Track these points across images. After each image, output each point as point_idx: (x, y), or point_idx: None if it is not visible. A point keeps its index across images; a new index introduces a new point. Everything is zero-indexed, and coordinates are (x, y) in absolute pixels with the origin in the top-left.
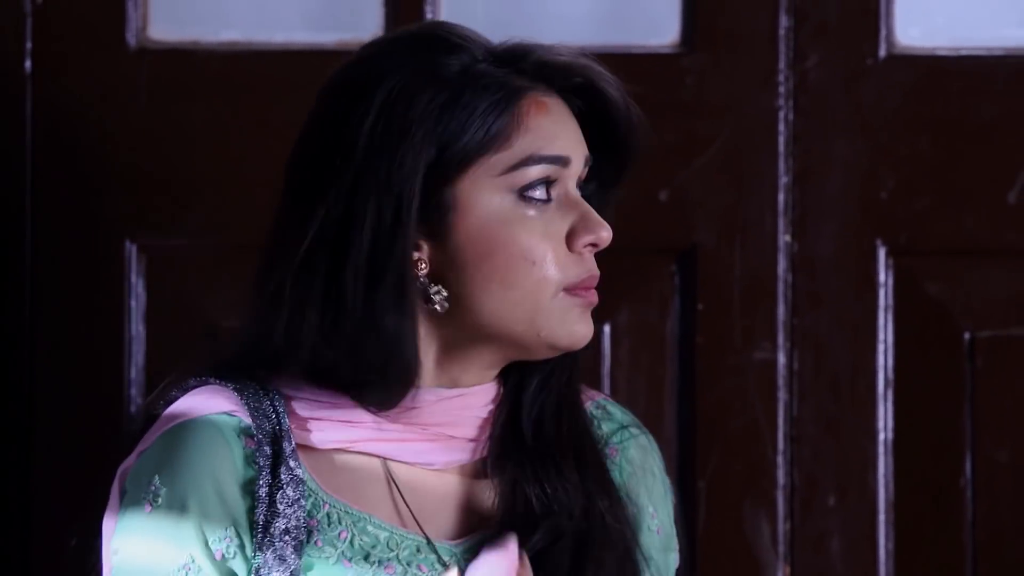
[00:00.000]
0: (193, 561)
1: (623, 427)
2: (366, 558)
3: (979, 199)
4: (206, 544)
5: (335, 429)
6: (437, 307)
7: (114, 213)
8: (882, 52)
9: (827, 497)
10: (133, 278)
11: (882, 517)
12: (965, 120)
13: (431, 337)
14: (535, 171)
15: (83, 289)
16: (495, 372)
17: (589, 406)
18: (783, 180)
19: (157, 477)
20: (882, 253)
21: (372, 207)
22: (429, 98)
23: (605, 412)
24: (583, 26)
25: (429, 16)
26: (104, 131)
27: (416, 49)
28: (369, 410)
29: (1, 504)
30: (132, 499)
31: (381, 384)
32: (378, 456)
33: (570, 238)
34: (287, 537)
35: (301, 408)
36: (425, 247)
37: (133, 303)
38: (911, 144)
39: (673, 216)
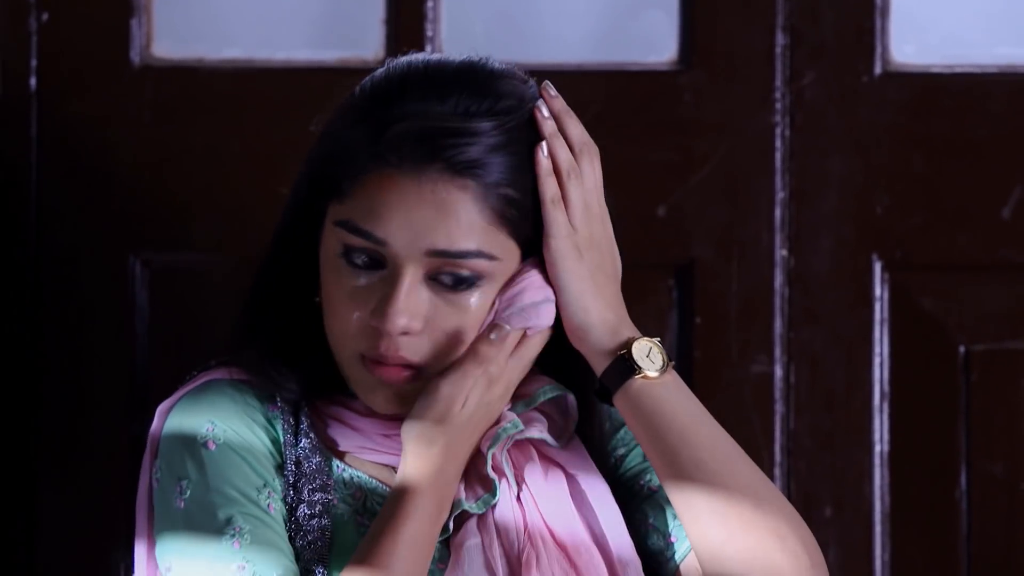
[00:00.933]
0: (264, 485)
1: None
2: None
3: (973, 215)
4: (249, 504)
5: (346, 435)
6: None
7: (118, 228)
8: (877, 70)
9: (823, 509)
10: (137, 293)
11: (878, 529)
12: (959, 137)
13: None
14: (350, 237)
15: (87, 303)
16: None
17: None
18: (780, 196)
19: (209, 423)
20: (877, 268)
21: (282, 226)
22: (319, 141)
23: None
24: (581, 45)
25: (429, 35)
26: (108, 147)
27: (356, 95)
28: (376, 419)
29: (7, 517)
30: (189, 447)
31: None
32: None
33: (370, 311)
34: (313, 522)
35: (320, 403)
36: None
37: (138, 317)
38: (906, 160)
39: (671, 232)
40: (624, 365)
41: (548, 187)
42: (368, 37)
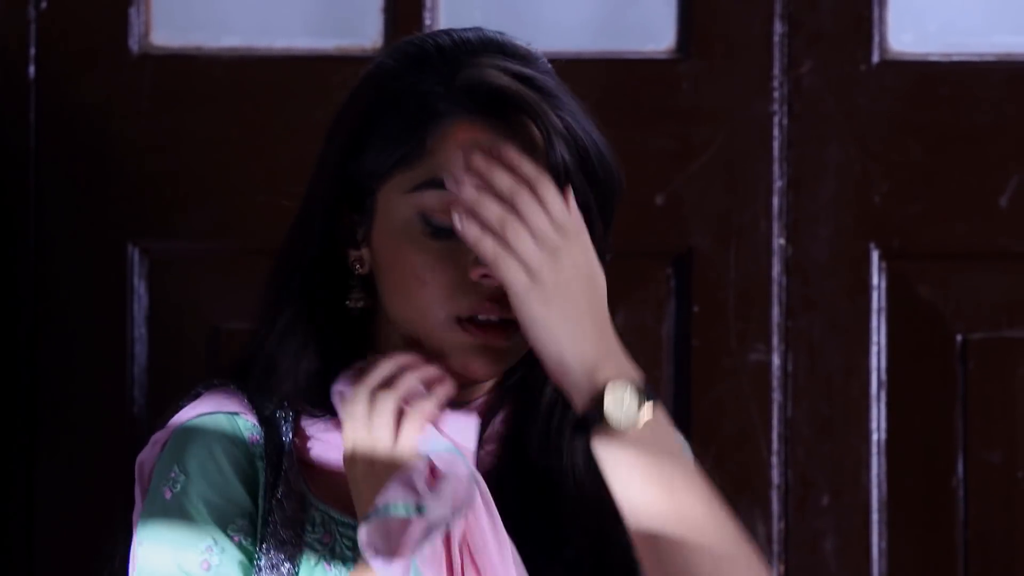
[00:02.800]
0: (215, 543)
1: None
2: (344, 562)
3: (971, 204)
4: (226, 528)
5: (335, 449)
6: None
7: (117, 216)
8: (875, 58)
9: (821, 497)
10: (136, 281)
11: (875, 517)
12: (957, 125)
13: (384, 339)
14: (435, 195)
15: (86, 292)
16: (472, 387)
17: None
18: (778, 184)
19: (176, 466)
20: (875, 257)
21: (302, 210)
22: (359, 111)
23: None
24: (580, 33)
25: (428, 23)
26: (107, 135)
27: (397, 57)
28: None
29: (5, 506)
30: (154, 489)
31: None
32: None
33: (469, 266)
34: (284, 547)
35: (307, 422)
36: (364, 250)
37: (136, 306)
38: (904, 149)
39: (669, 220)
40: (596, 413)
41: (485, 249)
42: (367, 25)
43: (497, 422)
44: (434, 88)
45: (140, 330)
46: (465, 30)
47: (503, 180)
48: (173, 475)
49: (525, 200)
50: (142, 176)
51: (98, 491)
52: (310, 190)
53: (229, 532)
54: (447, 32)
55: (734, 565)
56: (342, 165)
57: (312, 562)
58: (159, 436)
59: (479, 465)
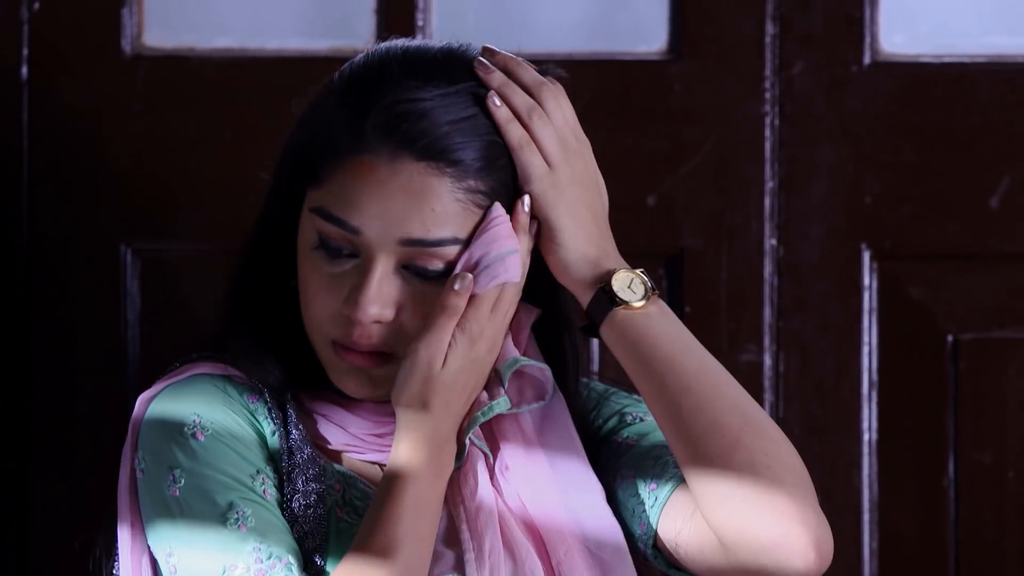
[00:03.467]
0: (258, 472)
1: (603, 396)
2: (356, 511)
3: (962, 205)
4: (252, 484)
5: (332, 432)
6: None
7: (109, 217)
8: (866, 59)
9: None
10: (128, 282)
11: (866, 517)
12: (948, 127)
13: None
14: (324, 225)
15: (79, 292)
16: None
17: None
18: (769, 185)
19: (196, 415)
20: (866, 257)
21: (263, 212)
22: (297, 130)
23: (586, 387)
24: (572, 34)
25: (420, 24)
26: (100, 136)
27: (334, 81)
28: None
29: (0, 501)
30: (175, 440)
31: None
32: (373, 463)
33: (343, 299)
34: (308, 512)
35: (307, 397)
36: None
37: (129, 307)
38: (895, 150)
39: (661, 221)
40: (605, 297)
41: (512, 133)
42: (359, 26)
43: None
44: (346, 121)
45: (133, 331)
46: (406, 45)
47: (527, 75)
48: (197, 420)
49: (552, 97)
50: (135, 177)
51: (92, 492)
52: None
53: (251, 488)
54: (388, 50)
55: (760, 421)
56: (285, 175)
57: (330, 504)
58: (147, 395)
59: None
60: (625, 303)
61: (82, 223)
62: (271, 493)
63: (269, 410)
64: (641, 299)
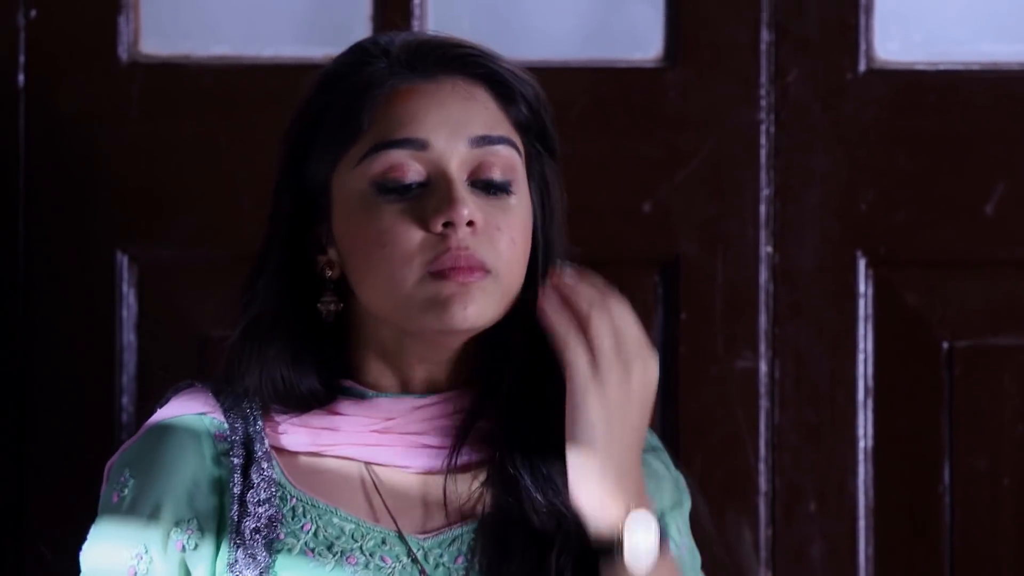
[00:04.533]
0: (147, 551)
1: None
2: (329, 548)
3: (957, 211)
4: (167, 534)
5: (309, 434)
6: (324, 315)
7: (105, 224)
8: (861, 67)
9: (808, 504)
10: (124, 288)
11: (862, 523)
12: (943, 133)
13: (366, 338)
14: (383, 158)
15: (75, 299)
16: (448, 379)
17: None
18: (764, 192)
19: (127, 470)
20: (862, 264)
21: (270, 220)
22: (299, 116)
23: None
24: (568, 41)
25: (416, 30)
26: (96, 143)
27: (325, 71)
28: (344, 415)
29: None
30: (106, 492)
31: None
32: (354, 459)
33: (429, 218)
34: (257, 536)
35: (279, 414)
36: (331, 250)
37: (124, 313)
38: (890, 157)
39: (656, 227)
40: (610, 545)
41: (560, 324)
42: (355, 33)
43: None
44: (367, 67)
45: (129, 337)
46: (386, 33)
47: (595, 281)
48: (123, 479)
49: (616, 302)
50: (131, 183)
51: (87, 498)
52: (272, 205)
53: (173, 536)
54: (370, 39)
55: None
56: (295, 171)
57: (294, 552)
58: (126, 445)
59: (467, 461)
60: (623, 563)
61: (78, 229)
62: (187, 545)
63: (234, 451)
64: (647, 558)
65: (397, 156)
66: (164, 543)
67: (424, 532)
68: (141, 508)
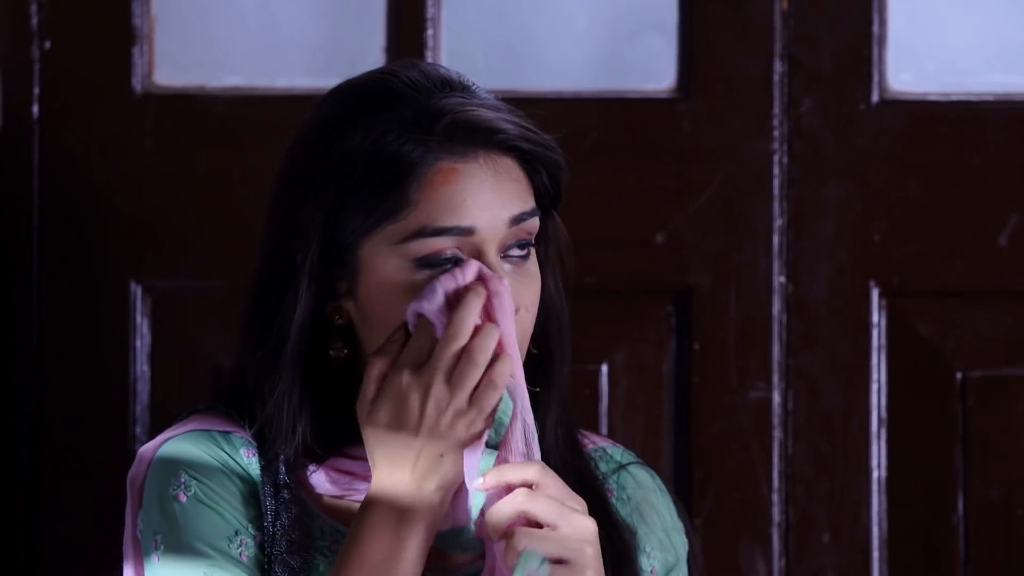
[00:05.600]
0: (236, 534)
1: (622, 466)
2: None
3: (970, 242)
4: (228, 546)
5: (330, 478)
6: (333, 360)
7: (119, 255)
8: (874, 97)
9: (821, 535)
10: (138, 319)
11: (876, 554)
12: (956, 164)
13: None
14: (428, 244)
15: (89, 329)
16: None
17: (589, 450)
18: (778, 223)
19: (183, 473)
20: (875, 295)
21: (270, 267)
22: (327, 171)
23: (604, 454)
24: (580, 72)
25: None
26: (110, 174)
27: (349, 105)
28: (356, 458)
29: (8, 545)
30: (160, 498)
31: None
32: None
33: None
34: (295, 555)
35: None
36: (348, 302)
37: (138, 343)
38: (903, 188)
39: (670, 258)
40: None
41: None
42: (368, 65)
43: None
44: (406, 137)
45: (142, 368)
46: (408, 68)
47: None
48: (183, 480)
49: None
50: (145, 214)
51: (101, 531)
52: (283, 241)
53: (226, 553)
54: (392, 73)
55: None
56: (323, 223)
57: (322, 568)
58: (146, 452)
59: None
60: None
61: (92, 259)
62: (249, 555)
63: (262, 469)
64: None
65: (444, 243)
66: (229, 553)
67: (446, 572)
68: (217, 504)
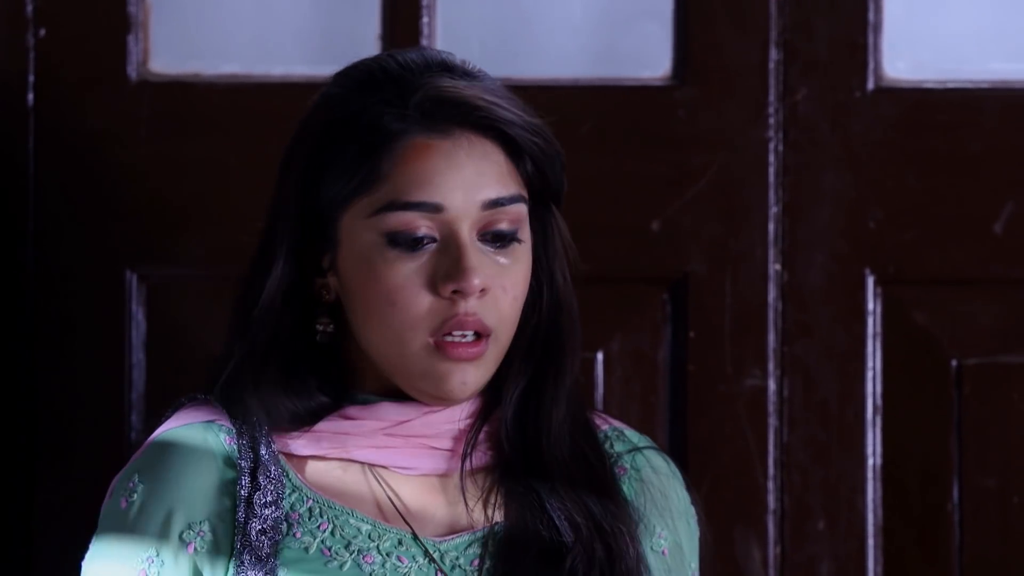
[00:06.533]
0: (157, 555)
1: (638, 448)
2: (346, 547)
3: (966, 230)
4: (179, 537)
5: (317, 439)
6: (320, 336)
7: (115, 243)
8: (870, 85)
9: (816, 522)
10: (133, 307)
11: (871, 542)
12: (952, 152)
13: (363, 356)
14: (397, 217)
15: (84, 317)
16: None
17: (605, 429)
18: (773, 211)
19: (136, 476)
20: (870, 282)
21: (265, 241)
22: (313, 140)
23: (620, 435)
24: (576, 60)
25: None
26: (105, 162)
27: (342, 83)
28: (353, 419)
29: (4, 528)
30: (113, 499)
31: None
32: (362, 462)
33: (439, 283)
34: (263, 538)
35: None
36: (331, 277)
37: (133, 331)
38: (899, 175)
39: (665, 246)
40: None
41: None
42: (364, 53)
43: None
44: (384, 110)
45: (138, 356)
46: (409, 52)
47: None
48: (131, 485)
49: None
50: (140, 202)
51: (96, 516)
52: (271, 220)
53: (185, 538)
54: (391, 55)
55: None
56: (302, 196)
57: (311, 550)
58: (135, 456)
59: (477, 464)
60: None
61: (87, 248)
62: (199, 547)
63: (245, 449)
64: None
65: (411, 217)
66: (176, 546)
67: (438, 536)
68: (151, 512)
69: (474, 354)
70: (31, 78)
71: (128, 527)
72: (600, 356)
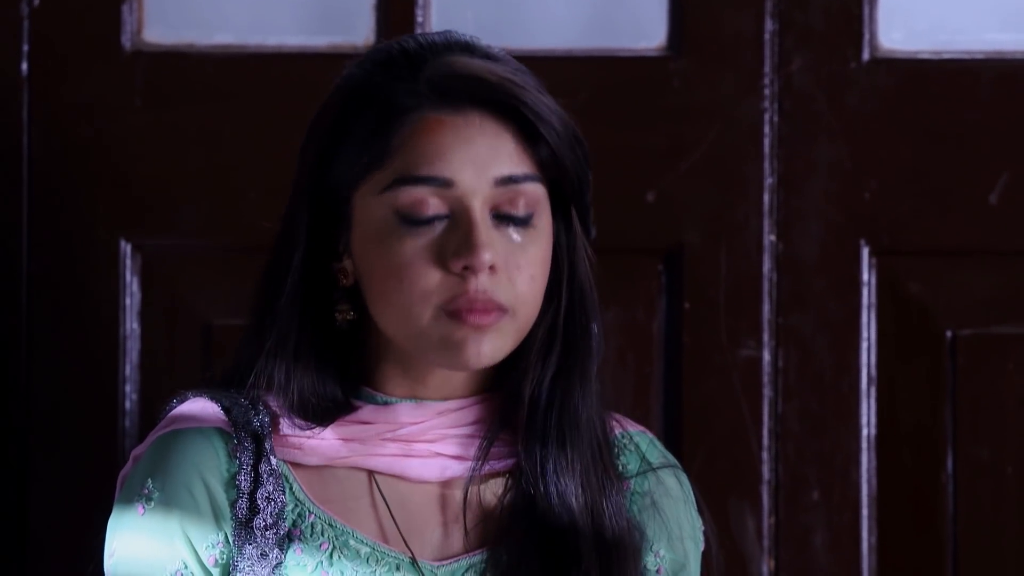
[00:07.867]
0: (186, 567)
1: (651, 468)
2: (343, 572)
3: (961, 201)
4: (198, 550)
5: (320, 447)
6: (339, 322)
7: (109, 213)
8: (865, 56)
9: (811, 493)
10: (128, 277)
11: (865, 512)
12: (947, 123)
13: (380, 345)
14: (406, 193)
15: (78, 287)
16: (465, 386)
17: (615, 436)
18: (768, 182)
19: (150, 480)
20: (865, 253)
21: (285, 225)
22: (328, 120)
23: (630, 442)
24: (570, 30)
25: (419, 20)
26: (99, 132)
27: (364, 64)
28: (365, 424)
29: None
30: (126, 501)
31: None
32: (365, 470)
33: (448, 259)
34: (268, 533)
35: (287, 426)
36: (346, 260)
37: (128, 301)
38: (894, 146)
39: (660, 217)
40: None
41: None
42: (359, 23)
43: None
44: (397, 86)
45: (132, 326)
46: (434, 34)
47: None
48: (146, 491)
49: None
50: (135, 172)
51: (91, 487)
52: (290, 204)
53: (207, 552)
54: (415, 36)
55: None
56: (317, 178)
57: (309, 569)
58: (138, 451)
59: (490, 471)
60: None
61: (82, 218)
62: (218, 559)
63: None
64: None
65: (421, 192)
66: (199, 558)
67: (438, 559)
68: (172, 521)
69: (488, 321)
70: (25, 47)
71: (151, 535)
72: (594, 327)
